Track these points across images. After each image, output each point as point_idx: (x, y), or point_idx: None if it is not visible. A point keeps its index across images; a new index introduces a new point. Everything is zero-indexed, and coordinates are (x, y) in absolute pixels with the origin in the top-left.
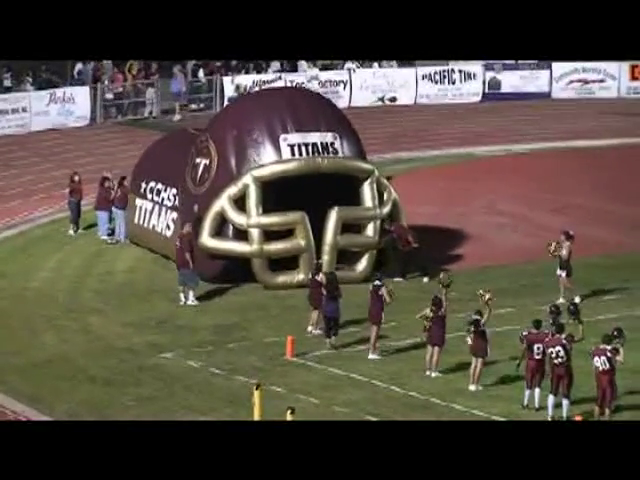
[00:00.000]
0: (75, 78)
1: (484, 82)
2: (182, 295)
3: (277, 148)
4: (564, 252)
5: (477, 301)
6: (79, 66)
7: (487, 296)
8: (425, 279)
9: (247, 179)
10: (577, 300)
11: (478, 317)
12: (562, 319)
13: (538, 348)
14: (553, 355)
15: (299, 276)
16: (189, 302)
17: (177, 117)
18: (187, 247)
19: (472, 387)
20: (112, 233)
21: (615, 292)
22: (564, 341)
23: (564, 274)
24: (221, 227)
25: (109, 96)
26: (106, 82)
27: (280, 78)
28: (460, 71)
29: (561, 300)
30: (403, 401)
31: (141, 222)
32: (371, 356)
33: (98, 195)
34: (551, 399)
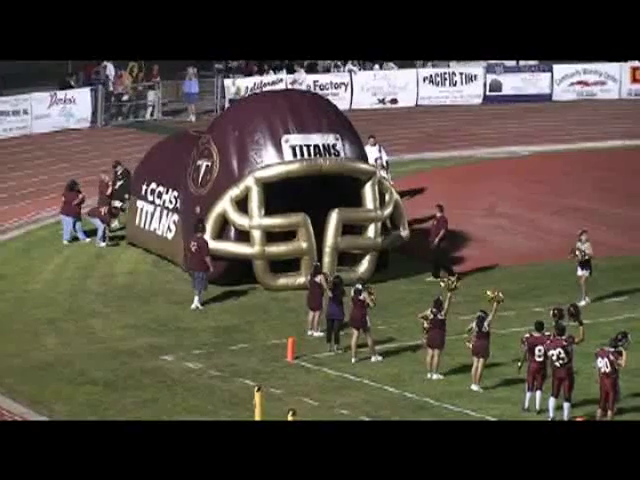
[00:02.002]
0: (93, 78)
1: (485, 84)
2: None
3: (279, 149)
4: (589, 252)
5: (478, 303)
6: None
7: (490, 294)
8: (430, 278)
9: (249, 181)
10: (582, 303)
11: (483, 315)
12: (565, 322)
13: (539, 350)
14: (554, 357)
15: (300, 278)
16: (192, 306)
17: (192, 118)
18: (206, 251)
19: (474, 387)
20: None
21: (616, 294)
22: (565, 343)
23: (587, 273)
24: (223, 229)
25: (111, 98)
26: (111, 84)
27: (281, 80)
28: (461, 73)
29: (583, 302)
30: (403, 403)
31: (142, 224)
32: (373, 359)
33: (65, 199)
34: (552, 401)
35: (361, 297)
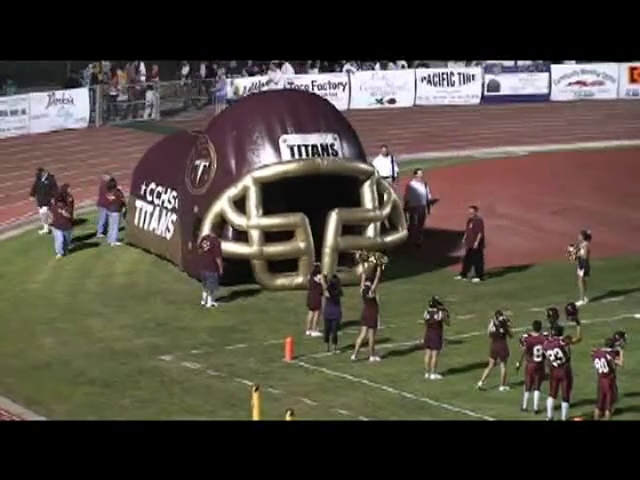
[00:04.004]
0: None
1: (483, 84)
2: (205, 294)
3: (277, 149)
4: (582, 252)
5: (476, 303)
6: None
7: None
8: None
9: (247, 180)
10: (580, 303)
11: (505, 318)
12: (560, 322)
13: (538, 350)
14: (552, 357)
15: (298, 278)
16: (208, 305)
17: None
18: (219, 251)
19: (501, 388)
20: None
21: (615, 294)
22: (562, 343)
23: (582, 272)
24: (221, 228)
25: (119, 97)
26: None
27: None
28: (459, 73)
29: (581, 302)
30: (401, 403)
31: (141, 224)
32: (372, 359)
33: (56, 211)
34: (550, 402)
35: (370, 295)
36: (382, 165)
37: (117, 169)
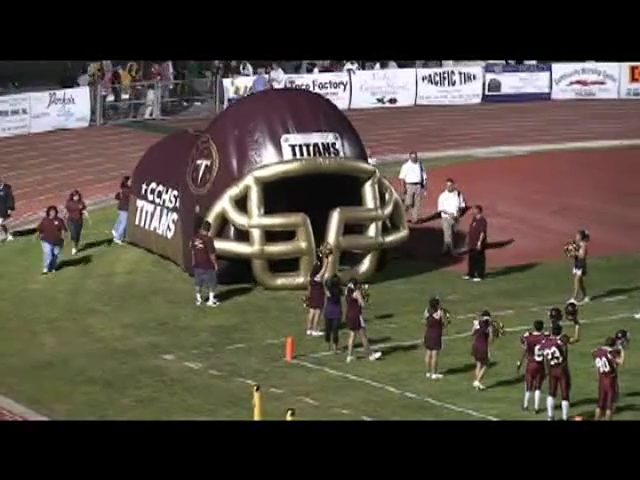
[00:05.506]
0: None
1: (484, 84)
2: (198, 295)
3: (278, 149)
4: (581, 252)
5: (476, 302)
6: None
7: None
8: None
9: (248, 180)
10: (572, 300)
11: (488, 318)
12: (562, 322)
13: (539, 350)
14: (549, 357)
15: (299, 278)
16: (209, 303)
17: None
18: (212, 248)
19: (476, 383)
20: (51, 268)
21: (615, 294)
22: (559, 342)
23: (579, 272)
24: (222, 228)
25: (110, 97)
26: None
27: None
28: (460, 73)
29: (573, 299)
30: (402, 403)
31: (142, 224)
32: (372, 358)
33: (44, 224)
34: (550, 401)
35: (354, 296)
36: (411, 171)
37: (117, 169)
